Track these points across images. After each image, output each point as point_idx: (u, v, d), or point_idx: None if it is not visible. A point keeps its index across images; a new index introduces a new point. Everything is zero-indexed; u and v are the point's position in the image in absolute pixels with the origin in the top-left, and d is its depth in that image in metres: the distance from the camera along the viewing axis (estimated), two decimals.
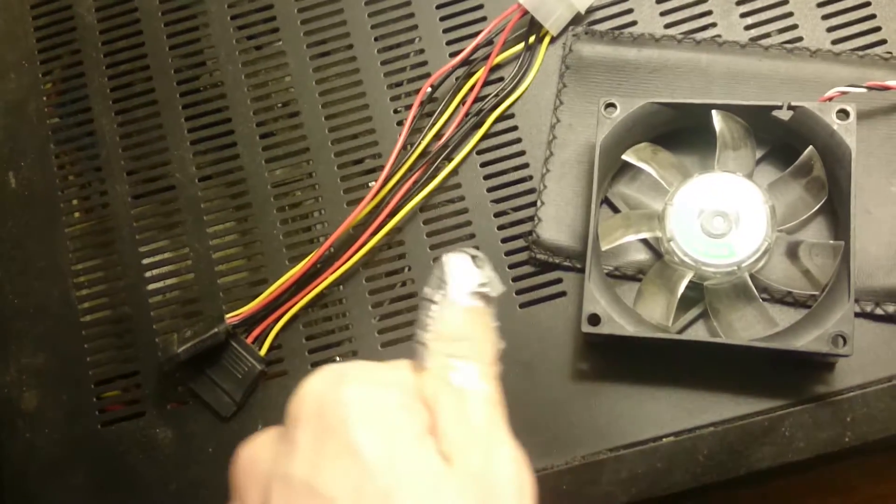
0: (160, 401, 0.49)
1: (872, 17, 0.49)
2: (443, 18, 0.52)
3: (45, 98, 0.55)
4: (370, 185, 0.50)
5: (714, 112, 0.44)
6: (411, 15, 0.53)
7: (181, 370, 0.48)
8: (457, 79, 0.50)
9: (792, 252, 0.44)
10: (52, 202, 0.53)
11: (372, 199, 0.48)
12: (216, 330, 0.47)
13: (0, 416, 0.50)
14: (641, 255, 0.47)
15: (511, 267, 0.48)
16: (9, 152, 0.54)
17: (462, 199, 0.50)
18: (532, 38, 0.50)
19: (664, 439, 0.44)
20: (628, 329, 0.42)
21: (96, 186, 0.53)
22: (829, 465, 0.45)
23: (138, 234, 0.52)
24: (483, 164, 0.50)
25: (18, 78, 0.55)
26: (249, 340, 0.48)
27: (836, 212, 0.45)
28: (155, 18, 0.55)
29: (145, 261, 0.51)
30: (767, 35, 0.49)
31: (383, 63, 0.52)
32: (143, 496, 0.48)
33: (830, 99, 0.44)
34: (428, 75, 0.51)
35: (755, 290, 0.43)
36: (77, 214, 0.53)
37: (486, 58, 0.50)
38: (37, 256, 0.52)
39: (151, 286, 0.51)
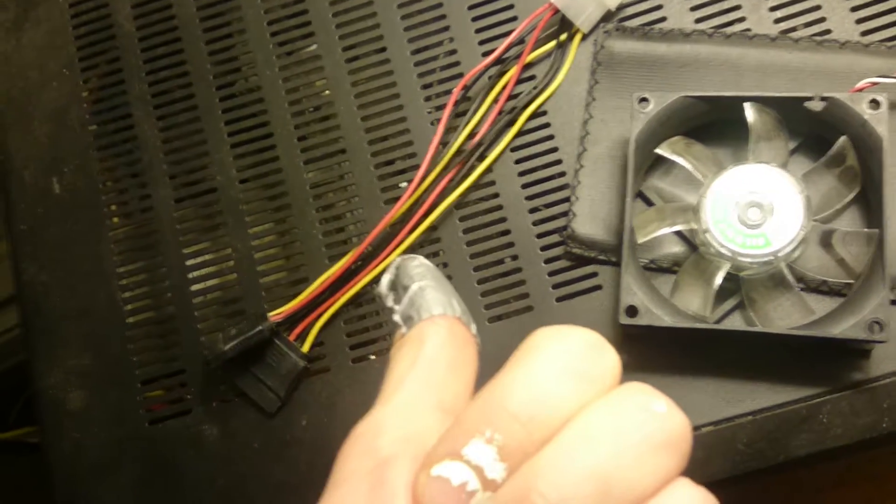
0: (205, 398, 0.50)
1: None
2: (474, 19, 0.53)
3: (85, 105, 0.56)
4: (402, 185, 0.51)
5: (746, 104, 0.45)
6: (443, 17, 0.54)
7: (226, 368, 0.49)
8: (489, 78, 0.51)
9: (826, 241, 0.45)
10: (96, 207, 0.54)
11: (408, 197, 0.49)
12: (261, 327, 0.48)
13: (48, 416, 0.52)
14: (676, 248, 0.47)
15: (547, 262, 0.49)
16: (52, 159, 0.55)
17: (496, 196, 0.51)
18: (563, 36, 0.51)
19: (703, 429, 0.45)
20: (666, 320, 0.43)
21: (139, 191, 0.54)
22: (864, 452, 0.45)
23: (181, 237, 0.53)
24: (517, 161, 0.51)
25: (60, 86, 0.56)
26: (292, 338, 0.49)
27: (868, 201, 0.46)
28: (193, 25, 0.56)
29: (188, 262, 0.52)
30: (796, 28, 0.50)
31: (416, 64, 0.53)
32: (190, 492, 0.49)
33: (861, 90, 0.45)
34: (461, 75, 0.52)
35: (792, 280, 0.44)
36: (115, 220, 0.54)
37: (518, 56, 0.51)
38: (82, 260, 0.53)
39: (195, 287, 0.52)
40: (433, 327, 0.27)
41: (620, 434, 0.22)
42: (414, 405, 0.25)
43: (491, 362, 0.48)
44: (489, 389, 0.24)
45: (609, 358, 0.24)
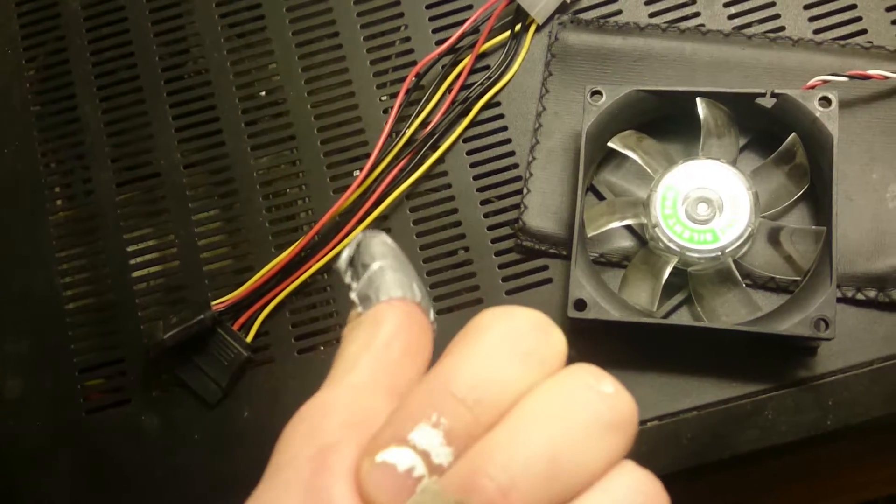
0: (146, 388, 0.49)
1: (853, 6, 0.49)
2: (429, 6, 0.52)
3: (28, 85, 0.54)
4: (355, 173, 0.50)
5: (698, 99, 0.45)
6: (398, 2, 0.53)
7: (167, 357, 0.47)
8: (443, 67, 0.51)
9: (774, 238, 0.45)
10: (37, 189, 0.52)
11: (358, 186, 0.48)
12: (202, 316, 0.47)
13: None
14: (626, 242, 0.47)
15: (497, 254, 0.48)
16: None
17: (448, 186, 0.50)
18: (518, 27, 0.50)
19: (648, 423, 0.45)
20: (614, 314, 0.43)
21: (80, 174, 0.53)
22: (813, 450, 0.46)
23: (123, 222, 0.51)
24: (469, 152, 0.50)
25: (2, 64, 0.55)
26: (235, 327, 0.48)
27: (818, 199, 0.46)
28: (140, 5, 0.54)
29: (130, 248, 0.51)
30: (750, 24, 0.50)
31: (369, 51, 0.52)
32: (128, 483, 0.48)
33: (813, 87, 0.45)
34: (414, 63, 0.51)
35: (739, 276, 0.44)
36: (59, 202, 0.53)
37: (473, 46, 0.50)
38: (21, 243, 0.52)
39: (136, 273, 0.51)
40: (391, 310, 0.26)
41: (568, 414, 0.22)
42: (365, 388, 0.24)
43: (439, 354, 0.48)
44: (435, 373, 0.23)
45: (555, 338, 0.24)
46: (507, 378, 0.23)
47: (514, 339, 0.23)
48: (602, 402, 0.22)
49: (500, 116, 0.50)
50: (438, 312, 0.48)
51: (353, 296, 0.27)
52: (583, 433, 0.22)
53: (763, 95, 0.44)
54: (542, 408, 0.22)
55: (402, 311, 0.26)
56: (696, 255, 0.43)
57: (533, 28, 0.51)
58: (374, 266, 0.27)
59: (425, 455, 0.21)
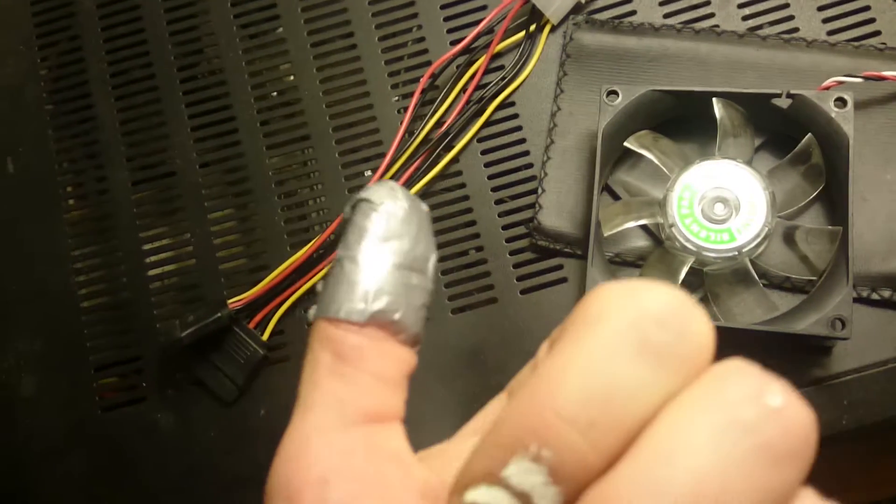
0: (161, 386, 0.49)
1: (867, 8, 0.49)
2: (444, 6, 0.53)
3: (43, 83, 0.54)
4: (367, 173, 0.50)
5: (715, 100, 0.45)
6: (412, 3, 0.53)
7: (183, 355, 0.48)
8: (458, 67, 0.51)
9: (790, 238, 0.45)
10: (51, 187, 0.52)
11: None
12: (219, 314, 0.47)
13: None
14: (642, 242, 0.47)
15: (512, 254, 0.49)
16: (7, 137, 0.53)
17: (463, 186, 0.50)
18: (533, 27, 0.51)
19: None
20: None
21: (95, 172, 0.53)
22: (828, 449, 0.46)
23: (138, 220, 0.51)
24: (484, 152, 0.50)
25: (16, 63, 0.55)
26: (251, 326, 0.48)
27: (832, 199, 0.46)
28: (155, 4, 0.55)
29: (145, 246, 0.51)
30: (763, 26, 0.50)
31: (384, 51, 0.52)
32: (144, 481, 0.48)
33: (828, 88, 0.45)
34: (429, 63, 0.51)
35: (755, 275, 0.44)
36: (71, 202, 0.53)
37: (487, 46, 0.50)
38: (35, 241, 0.52)
39: (152, 272, 0.51)
40: (324, 341, 0.22)
41: (723, 445, 0.16)
42: (330, 429, 0.20)
43: (455, 355, 0.48)
44: (533, 384, 0.17)
45: (697, 325, 0.18)
46: (634, 388, 0.17)
47: (641, 330, 0.17)
48: (770, 421, 0.17)
49: (515, 116, 0.51)
50: (452, 312, 0.48)
51: (318, 286, 0.23)
52: (745, 471, 0.16)
53: (779, 96, 0.45)
54: (685, 433, 0.16)
55: (334, 342, 0.21)
56: (712, 254, 0.44)
57: (548, 28, 0.51)
58: (336, 258, 0.22)
59: (525, 498, 0.17)
